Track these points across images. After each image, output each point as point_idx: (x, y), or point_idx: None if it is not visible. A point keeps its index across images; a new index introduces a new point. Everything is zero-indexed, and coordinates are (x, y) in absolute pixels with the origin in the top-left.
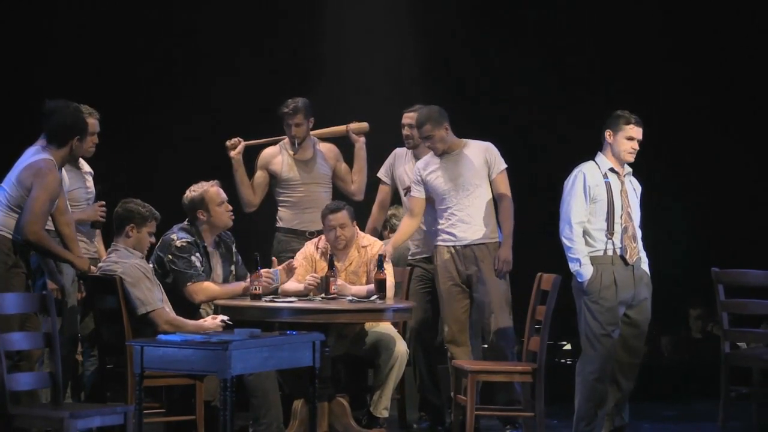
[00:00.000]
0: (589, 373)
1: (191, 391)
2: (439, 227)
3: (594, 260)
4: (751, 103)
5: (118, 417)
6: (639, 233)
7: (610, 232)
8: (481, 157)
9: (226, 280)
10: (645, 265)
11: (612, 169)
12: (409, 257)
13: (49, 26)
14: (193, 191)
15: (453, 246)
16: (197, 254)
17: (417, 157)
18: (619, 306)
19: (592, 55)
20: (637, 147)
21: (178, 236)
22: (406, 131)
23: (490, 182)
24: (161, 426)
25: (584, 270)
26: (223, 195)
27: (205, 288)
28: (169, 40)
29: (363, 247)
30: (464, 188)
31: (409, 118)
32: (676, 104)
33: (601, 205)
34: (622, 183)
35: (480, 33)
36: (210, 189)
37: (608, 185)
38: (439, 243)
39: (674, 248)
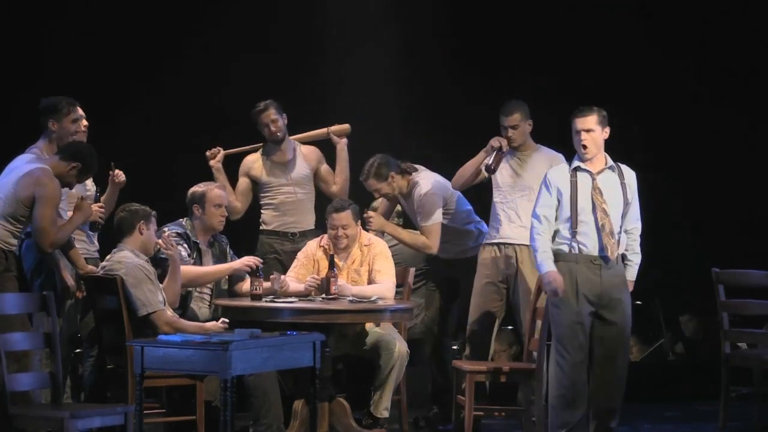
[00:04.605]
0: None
1: (191, 391)
2: (491, 222)
3: (559, 257)
4: (752, 102)
5: (118, 417)
6: (617, 230)
7: (573, 230)
8: (546, 165)
9: (218, 282)
10: (628, 265)
11: (578, 168)
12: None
13: (49, 26)
14: (199, 187)
15: (496, 244)
16: (185, 245)
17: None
18: (587, 305)
19: (581, 55)
20: (586, 137)
21: (169, 228)
22: (378, 195)
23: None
24: (161, 426)
25: (543, 263)
26: (224, 200)
27: (187, 272)
28: (164, 42)
29: (365, 245)
30: (520, 189)
31: (370, 185)
32: (676, 102)
33: (566, 204)
34: (594, 180)
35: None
36: (214, 189)
37: (573, 184)
38: (484, 241)
39: (671, 249)
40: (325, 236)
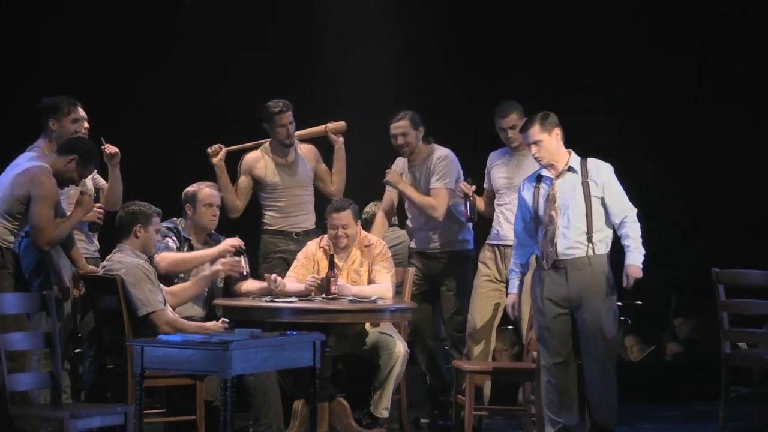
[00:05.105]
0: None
1: (191, 391)
2: (492, 223)
3: (535, 264)
4: (752, 102)
5: (118, 417)
6: (581, 231)
7: (535, 237)
8: None
9: (215, 281)
10: (626, 252)
11: (539, 176)
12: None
13: (49, 26)
14: (192, 186)
15: (495, 245)
16: (174, 238)
17: (412, 162)
18: (552, 306)
19: (581, 55)
20: (535, 150)
21: (162, 225)
22: (399, 141)
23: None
24: (161, 426)
25: (509, 282)
26: (215, 199)
27: (165, 256)
28: (164, 42)
29: (366, 246)
30: (516, 190)
31: (398, 127)
32: (676, 102)
33: (532, 214)
34: (552, 186)
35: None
36: (204, 189)
37: (536, 193)
38: (486, 241)
39: (671, 249)
40: (325, 236)
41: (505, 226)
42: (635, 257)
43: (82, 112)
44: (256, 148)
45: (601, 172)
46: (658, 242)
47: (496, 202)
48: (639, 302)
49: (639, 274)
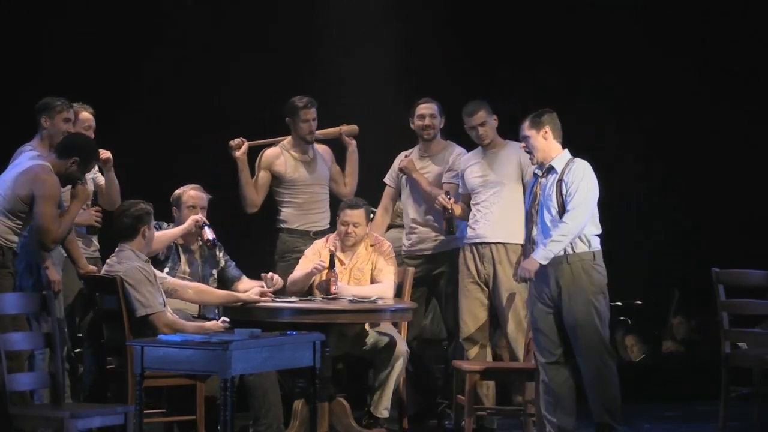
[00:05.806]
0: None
1: (191, 391)
2: (468, 223)
3: None
4: (752, 102)
5: (118, 417)
6: (548, 232)
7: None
8: (516, 158)
9: (204, 279)
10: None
11: (534, 173)
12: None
13: (49, 26)
14: (179, 189)
15: (473, 243)
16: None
17: (426, 152)
18: (539, 305)
19: (581, 55)
20: (524, 146)
21: None
22: (427, 121)
23: (523, 185)
24: (161, 426)
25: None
26: (198, 201)
27: None
28: (163, 42)
29: (371, 246)
30: (491, 186)
31: (428, 108)
32: (676, 102)
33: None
34: (537, 184)
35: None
36: (189, 191)
37: (530, 190)
38: (465, 241)
39: (671, 250)
40: (331, 236)
41: (482, 224)
42: (538, 253)
43: (83, 113)
44: (275, 144)
45: (570, 171)
46: (658, 242)
47: (471, 201)
48: (639, 302)
49: (531, 267)
